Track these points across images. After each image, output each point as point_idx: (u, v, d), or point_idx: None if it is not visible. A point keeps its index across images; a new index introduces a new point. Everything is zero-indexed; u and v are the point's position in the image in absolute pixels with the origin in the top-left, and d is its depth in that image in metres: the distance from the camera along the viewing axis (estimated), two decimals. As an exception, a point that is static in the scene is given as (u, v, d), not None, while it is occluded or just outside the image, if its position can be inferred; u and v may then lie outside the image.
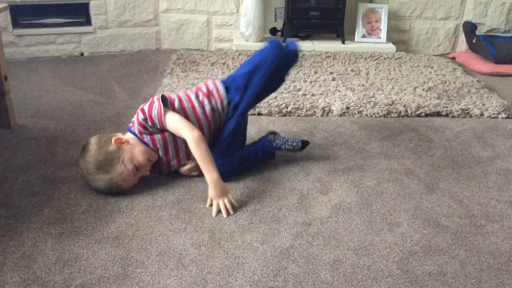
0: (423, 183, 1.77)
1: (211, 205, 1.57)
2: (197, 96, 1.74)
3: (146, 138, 1.67)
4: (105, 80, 2.80)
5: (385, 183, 1.77)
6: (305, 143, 1.87)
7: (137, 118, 1.66)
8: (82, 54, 3.29)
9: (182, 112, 1.69)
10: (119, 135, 1.67)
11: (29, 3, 3.11)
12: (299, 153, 1.96)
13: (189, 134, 1.60)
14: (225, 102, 1.75)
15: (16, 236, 1.42)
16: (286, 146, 1.85)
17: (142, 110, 1.65)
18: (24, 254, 1.35)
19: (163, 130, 1.66)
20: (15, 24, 3.13)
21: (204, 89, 1.77)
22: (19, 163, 1.84)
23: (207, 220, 1.52)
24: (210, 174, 1.58)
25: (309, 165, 1.87)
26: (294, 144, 1.85)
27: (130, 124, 1.72)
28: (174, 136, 1.68)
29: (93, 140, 1.62)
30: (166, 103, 1.68)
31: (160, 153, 1.69)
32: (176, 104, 1.70)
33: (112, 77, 2.85)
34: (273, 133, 1.91)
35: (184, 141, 1.64)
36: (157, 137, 1.67)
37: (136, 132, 1.67)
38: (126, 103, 2.45)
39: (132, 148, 1.62)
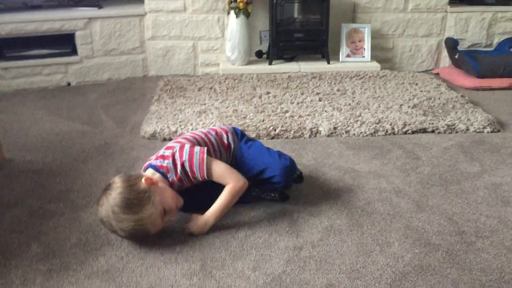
0: (412, 201, 1.78)
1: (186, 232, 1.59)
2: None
3: (175, 183, 1.62)
4: (92, 109, 2.80)
5: (375, 203, 1.77)
6: (284, 196, 1.78)
7: (176, 166, 1.60)
8: (69, 84, 3.29)
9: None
10: (147, 174, 1.59)
11: (14, 36, 3.12)
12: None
13: (235, 181, 1.61)
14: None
15: (4, 274, 1.40)
16: (266, 197, 1.77)
17: (182, 164, 1.60)
18: (13, 292, 1.33)
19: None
20: (1, 57, 3.13)
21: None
22: (7, 198, 1.82)
23: (197, 249, 1.51)
24: (214, 218, 1.59)
25: (298, 188, 1.87)
26: (272, 195, 1.76)
27: (153, 160, 1.64)
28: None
29: (120, 179, 1.50)
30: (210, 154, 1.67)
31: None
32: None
33: (99, 106, 2.85)
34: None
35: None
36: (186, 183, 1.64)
37: (166, 172, 1.61)
38: (114, 132, 2.44)
39: (163, 191, 1.54)
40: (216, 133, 1.79)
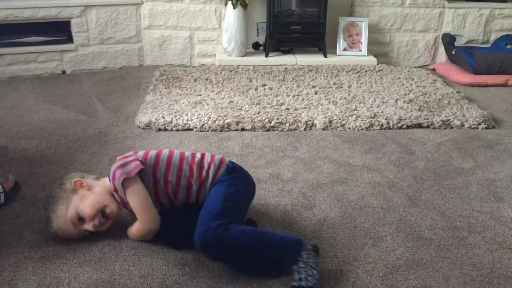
0: (405, 195, 1.79)
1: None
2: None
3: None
4: (87, 98, 2.79)
5: (368, 196, 1.78)
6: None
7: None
8: (64, 72, 3.27)
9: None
10: (90, 179, 1.50)
11: (10, 22, 3.09)
12: (283, 168, 1.97)
13: (143, 223, 1.44)
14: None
15: (-4, 261, 1.39)
16: None
17: (113, 172, 1.45)
18: (5, 279, 1.32)
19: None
20: (-5, 43, 3.11)
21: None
22: (0, 185, 1.81)
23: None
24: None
25: (292, 180, 1.88)
26: None
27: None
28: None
29: (65, 176, 1.51)
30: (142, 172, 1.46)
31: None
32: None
33: (94, 95, 2.84)
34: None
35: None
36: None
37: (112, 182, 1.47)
38: (108, 121, 2.43)
39: (87, 195, 1.44)
40: (193, 161, 1.50)
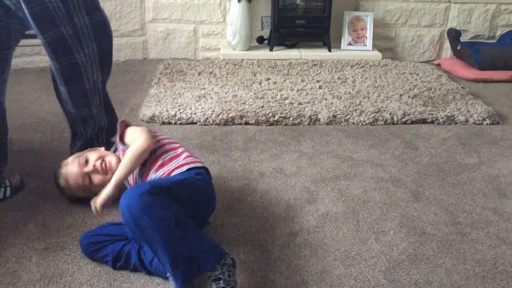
0: (409, 191, 1.78)
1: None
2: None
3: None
4: (91, 91, 2.78)
5: (372, 191, 1.77)
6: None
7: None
8: (68, 65, 3.27)
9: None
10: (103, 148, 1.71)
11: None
12: (286, 163, 1.97)
13: (143, 140, 1.53)
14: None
15: (0, 252, 1.40)
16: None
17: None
18: (8, 270, 1.33)
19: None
20: (0, 35, 3.11)
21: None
22: (4, 177, 1.81)
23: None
24: (114, 180, 1.48)
25: (296, 174, 1.87)
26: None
27: None
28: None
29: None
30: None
31: None
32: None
33: (98, 88, 2.83)
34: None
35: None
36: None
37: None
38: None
39: (96, 150, 1.65)
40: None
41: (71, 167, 1.58)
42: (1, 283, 1.28)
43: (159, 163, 1.53)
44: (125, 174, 1.49)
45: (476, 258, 1.43)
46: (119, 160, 1.58)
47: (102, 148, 1.68)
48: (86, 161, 1.59)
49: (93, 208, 1.45)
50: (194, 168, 1.49)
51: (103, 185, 1.50)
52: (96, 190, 1.52)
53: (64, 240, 1.46)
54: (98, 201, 1.44)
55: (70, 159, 1.63)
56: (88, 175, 1.57)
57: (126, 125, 1.67)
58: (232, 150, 2.06)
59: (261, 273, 1.33)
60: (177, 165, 1.50)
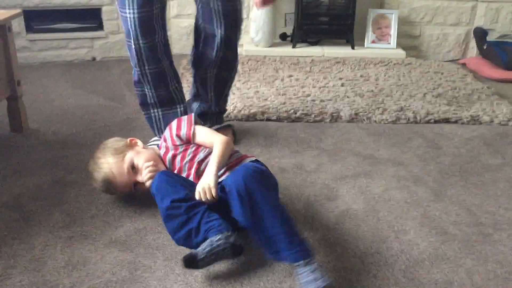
0: (430, 190, 1.77)
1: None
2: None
3: (161, 147, 1.64)
4: (116, 85, 2.83)
5: (393, 190, 1.77)
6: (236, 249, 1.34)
7: (169, 135, 1.64)
8: (94, 59, 3.33)
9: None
10: (139, 142, 1.66)
11: (43, 9, 3.16)
12: (307, 159, 1.97)
13: (221, 137, 1.56)
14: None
15: (26, 239, 1.44)
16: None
17: (170, 127, 1.65)
18: (34, 257, 1.37)
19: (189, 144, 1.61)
20: (29, 29, 3.18)
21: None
22: (31, 167, 1.86)
23: (214, 226, 1.53)
24: (214, 174, 1.43)
25: (316, 171, 1.88)
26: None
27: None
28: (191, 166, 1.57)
29: (117, 137, 1.68)
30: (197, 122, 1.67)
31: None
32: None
33: (123, 82, 2.88)
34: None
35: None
36: (177, 162, 1.59)
37: (161, 145, 1.65)
38: (136, 108, 2.46)
39: (142, 151, 1.59)
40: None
41: (118, 170, 1.53)
42: (27, 269, 1.32)
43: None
44: (220, 165, 1.47)
45: (498, 259, 1.41)
46: (165, 167, 1.59)
47: (139, 143, 1.63)
48: (133, 167, 1.54)
49: (206, 196, 1.38)
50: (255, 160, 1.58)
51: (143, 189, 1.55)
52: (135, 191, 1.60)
53: (88, 229, 1.49)
54: (213, 189, 1.38)
55: (113, 157, 1.54)
56: (135, 183, 1.56)
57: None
58: (253, 146, 2.07)
59: (279, 268, 1.34)
60: (240, 157, 1.58)
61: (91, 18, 3.28)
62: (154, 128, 1.97)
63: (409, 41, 3.57)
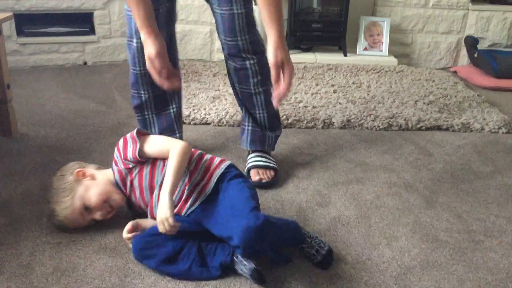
0: (422, 197, 1.77)
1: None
2: None
3: (115, 173, 1.48)
4: (107, 89, 2.82)
5: (384, 196, 1.77)
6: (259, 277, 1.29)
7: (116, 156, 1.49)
8: (85, 63, 3.31)
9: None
10: (91, 168, 1.50)
11: (34, 12, 3.14)
12: (299, 165, 1.97)
13: (179, 143, 1.42)
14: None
15: (14, 245, 1.42)
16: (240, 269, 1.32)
17: (118, 149, 1.48)
18: (22, 263, 1.35)
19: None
20: (20, 32, 3.16)
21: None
22: (20, 171, 1.84)
23: (205, 232, 1.51)
24: (169, 193, 1.33)
25: (308, 177, 1.87)
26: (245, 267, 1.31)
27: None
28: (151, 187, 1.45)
29: (64, 166, 1.51)
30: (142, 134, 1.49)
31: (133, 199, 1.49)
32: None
33: (114, 86, 2.86)
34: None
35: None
36: (135, 187, 1.46)
37: (114, 169, 1.49)
38: (127, 113, 2.46)
39: (91, 185, 1.44)
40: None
41: (71, 215, 1.42)
42: (15, 275, 1.30)
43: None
44: (176, 181, 1.36)
45: (489, 266, 1.41)
46: (122, 195, 1.47)
47: (88, 171, 1.47)
48: (86, 208, 1.43)
49: (165, 228, 1.28)
50: (229, 165, 1.47)
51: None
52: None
53: (77, 236, 1.47)
54: (169, 219, 1.28)
55: (64, 200, 1.41)
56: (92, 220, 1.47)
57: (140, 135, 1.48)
58: (245, 151, 2.06)
59: (271, 275, 1.33)
60: (213, 165, 1.46)
61: (83, 22, 3.27)
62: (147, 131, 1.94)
63: (401, 49, 3.60)
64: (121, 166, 1.47)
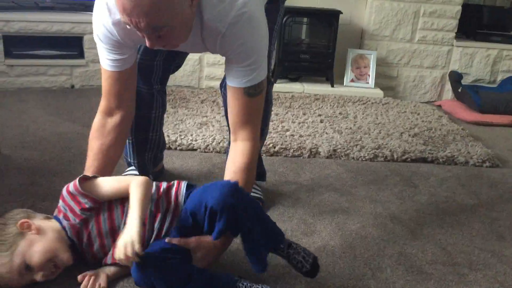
0: (407, 228, 1.77)
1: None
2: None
3: (66, 225, 1.32)
4: (93, 113, 2.76)
5: (370, 227, 1.76)
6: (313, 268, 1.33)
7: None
8: (72, 87, 3.30)
9: None
10: (38, 219, 1.31)
11: (23, 34, 3.14)
12: (285, 194, 1.96)
13: (135, 178, 1.32)
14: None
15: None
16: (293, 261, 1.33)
17: (65, 202, 1.34)
18: None
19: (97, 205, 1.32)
20: (8, 54, 3.15)
21: None
22: (1, 193, 1.80)
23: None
24: (137, 231, 1.21)
25: (293, 206, 1.86)
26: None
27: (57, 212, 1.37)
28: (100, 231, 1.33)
29: (7, 213, 1.31)
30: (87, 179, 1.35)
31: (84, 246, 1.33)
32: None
33: (101, 110, 2.84)
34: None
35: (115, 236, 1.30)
36: (93, 238, 1.33)
37: (60, 218, 1.34)
38: (113, 137, 2.43)
39: (36, 241, 1.25)
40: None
41: (8, 274, 1.21)
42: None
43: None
44: (144, 210, 1.26)
45: (474, 300, 1.40)
46: (70, 254, 1.29)
47: (34, 223, 1.27)
48: (27, 267, 1.23)
49: (125, 254, 1.17)
50: (188, 185, 1.40)
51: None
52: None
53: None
54: (136, 244, 1.17)
55: (2, 255, 1.21)
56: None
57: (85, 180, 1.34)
58: (231, 178, 2.05)
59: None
60: (174, 187, 1.39)
61: (72, 46, 3.27)
62: (128, 156, 1.90)
63: (387, 82, 3.66)
64: (76, 221, 1.32)
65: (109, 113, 1.55)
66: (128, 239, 1.18)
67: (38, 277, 1.25)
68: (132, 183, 1.29)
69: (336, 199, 1.95)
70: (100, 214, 1.32)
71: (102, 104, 1.55)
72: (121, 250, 1.17)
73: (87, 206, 1.31)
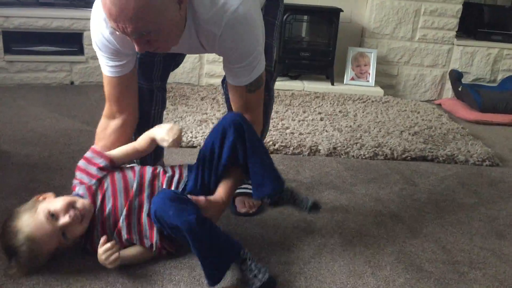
0: (407, 227, 1.77)
1: None
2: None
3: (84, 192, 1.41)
4: (93, 110, 2.79)
5: (369, 225, 1.75)
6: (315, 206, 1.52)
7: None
8: (72, 83, 3.29)
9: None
10: (50, 195, 1.42)
11: (23, 30, 3.13)
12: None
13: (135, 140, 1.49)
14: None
15: (-11, 265, 1.37)
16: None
17: (81, 169, 1.46)
18: (-4, 284, 1.30)
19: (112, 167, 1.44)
20: (7, 50, 3.14)
21: None
22: (0, 190, 1.80)
23: (187, 256, 1.48)
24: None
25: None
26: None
27: None
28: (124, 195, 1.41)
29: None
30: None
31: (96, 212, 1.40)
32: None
33: (100, 107, 2.82)
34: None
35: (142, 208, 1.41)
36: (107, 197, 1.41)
37: (78, 190, 1.43)
38: (113, 134, 2.43)
39: (52, 200, 1.38)
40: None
41: (38, 226, 1.28)
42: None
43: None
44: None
45: (474, 298, 1.40)
46: (88, 200, 1.38)
47: (51, 194, 1.41)
48: (52, 215, 1.31)
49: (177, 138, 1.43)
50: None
51: (75, 240, 1.37)
52: (61, 250, 1.37)
53: (55, 256, 1.43)
54: (175, 128, 1.44)
55: (25, 216, 1.30)
56: (62, 231, 1.32)
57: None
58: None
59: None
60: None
61: (71, 42, 3.26)
62: None
63: (387, 80, 3.65)
64: (90, 181, 1.41)
65: (111, 116, 1.58)
66: (167, 125, 1.43)
67: (65, 219, 1.31)
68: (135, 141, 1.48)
69: (336, 197, 1.95)
70: (114, 173, 1.44)
71: (105, 108, 1.59)
72: (168, 132, 1.41)
73: (102, 164, 1.43)
